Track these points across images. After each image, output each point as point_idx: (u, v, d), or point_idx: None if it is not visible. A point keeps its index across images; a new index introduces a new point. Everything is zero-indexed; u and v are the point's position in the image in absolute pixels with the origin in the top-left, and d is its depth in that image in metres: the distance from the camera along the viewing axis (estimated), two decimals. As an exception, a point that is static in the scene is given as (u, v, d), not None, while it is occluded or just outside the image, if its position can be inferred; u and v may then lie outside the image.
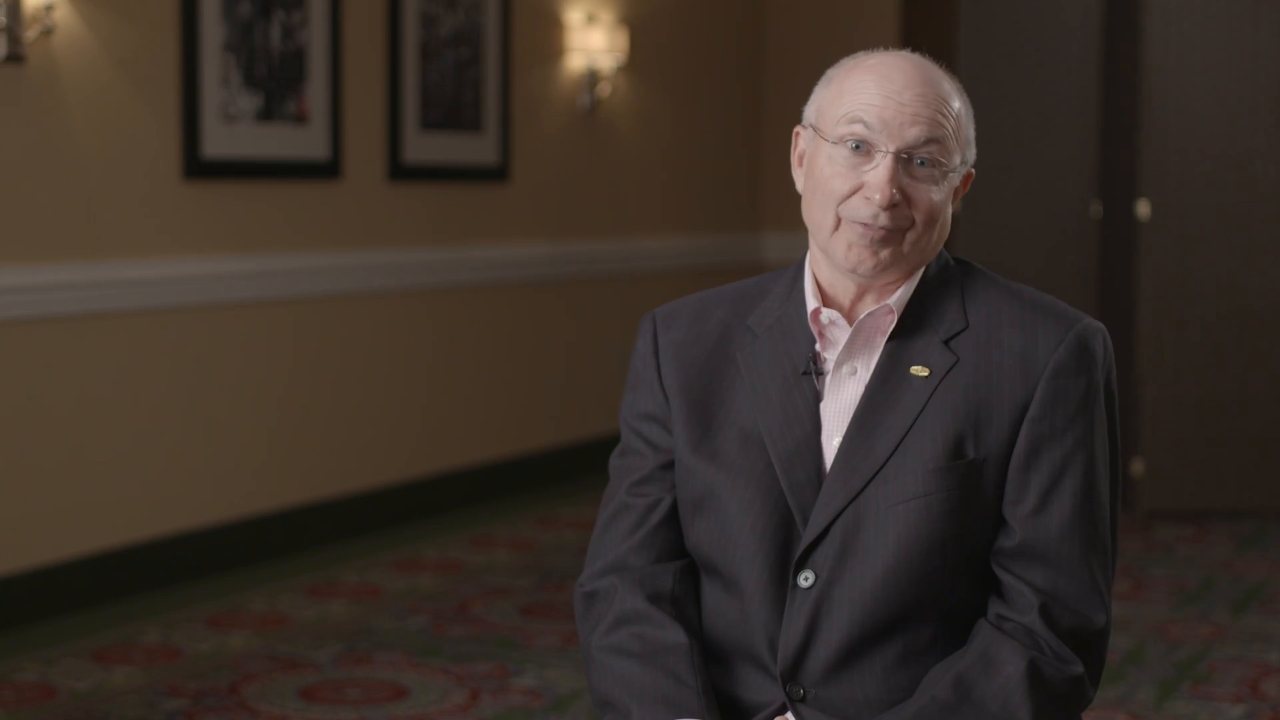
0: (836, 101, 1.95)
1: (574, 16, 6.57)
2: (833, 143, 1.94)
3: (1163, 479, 6.09)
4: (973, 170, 2.01)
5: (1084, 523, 1.92)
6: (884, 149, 1.91)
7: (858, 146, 1.92)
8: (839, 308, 2.00)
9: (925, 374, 1.95)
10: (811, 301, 2.00)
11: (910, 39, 7.07)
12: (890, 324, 1.97)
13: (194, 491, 5.05)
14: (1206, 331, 6.06)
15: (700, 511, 2.00)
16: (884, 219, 1.91)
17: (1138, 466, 6.08)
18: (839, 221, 1.93)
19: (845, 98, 1.94)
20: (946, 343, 1.96)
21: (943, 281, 2.00)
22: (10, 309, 4.47)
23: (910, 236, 1.93)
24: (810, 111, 2.00)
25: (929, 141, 1.91)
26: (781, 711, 1.94)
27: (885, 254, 1.93)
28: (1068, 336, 1.94)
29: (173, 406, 4.97)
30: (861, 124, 1.91)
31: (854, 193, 1.92)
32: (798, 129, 2.03)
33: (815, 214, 1.96)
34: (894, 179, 1.90)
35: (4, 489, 4.50)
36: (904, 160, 1.91)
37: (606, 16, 6.68)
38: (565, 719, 3.86)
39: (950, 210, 1.97)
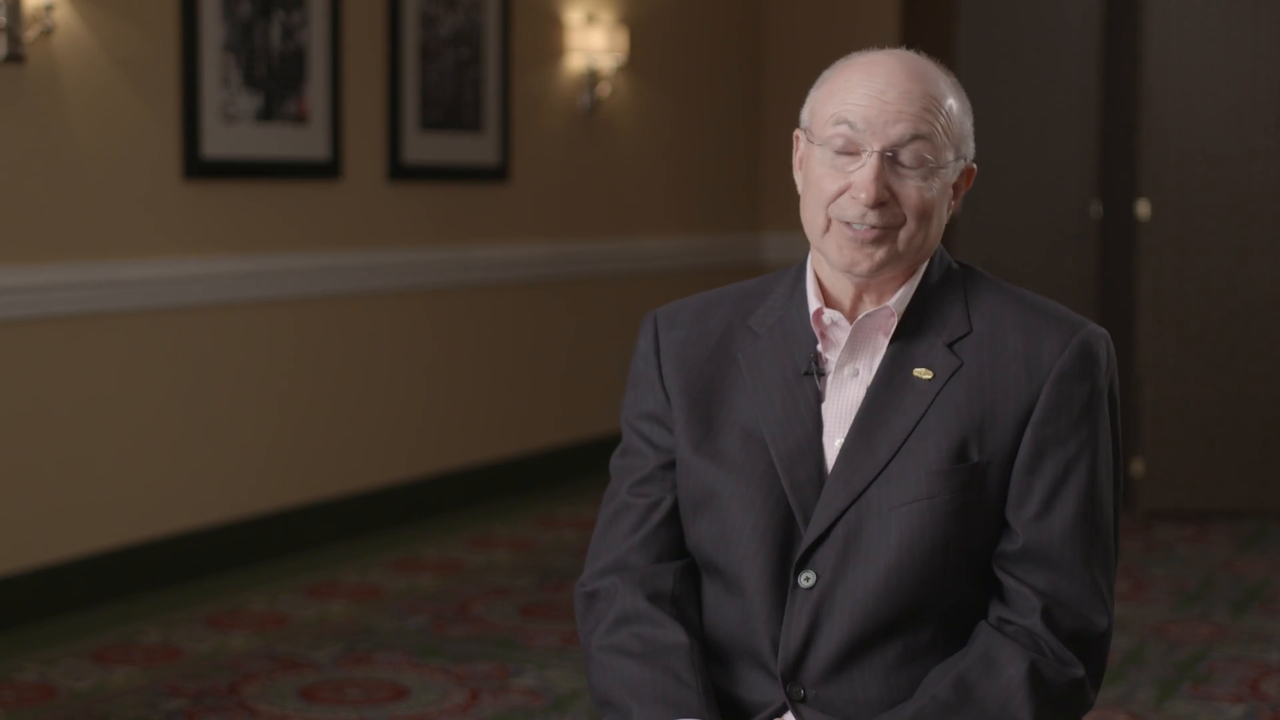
0: (826, 103, 1.96)
1: (574, 16, 6.57)
2: (820, 145, 1.94)
3: (1163, 479, 6.09)
4: (974, 165, 2.01)
5: (1086, 527, 1.92)
6: (869, 148, 1.91)
7: (844, 147, 1.92)
8: (840, 308, 2.00)
9: (929, 377, 1.95)
10: (814, 302, 2.00)
11: (910, 39, 7.07)
12: (891, 325, 1.98)
13: (194, 491, 5.05)
14: (1206, 331, 6.05)
15: (701, 511, 2.00)
16: (872, 218, 1.91)
17: (1138, 466, 6.08)
18: (829, 222, 1.94)
19: (833, 99, 1.95)
20: (950, 346, 1.96)
21: (945, 285, 2.00)
22: (10, 309, 4.47)
23: (903, 234, 1.93)
24: (805, 114, 2.01)
25: (914, 139, 1.91)
26: (781, 712, 1.94)
27: (880, 254, 1.93)
28: (1072, 341, 1.94)
29: (173, 406, 4.97)
30: (846, 124, 1.92)
31: (842, 193, 1.93)
32: (797, 131, 2.03)
33: (808, 215, 1.98)
34: (880, 177, 1.91)
35: (4, 489, 4.50)
36: (889, 158, 1.91)
37: (606, 16, 6.68)
38: (565, 719, 3.86)
39: (947, 206, 1.97)
